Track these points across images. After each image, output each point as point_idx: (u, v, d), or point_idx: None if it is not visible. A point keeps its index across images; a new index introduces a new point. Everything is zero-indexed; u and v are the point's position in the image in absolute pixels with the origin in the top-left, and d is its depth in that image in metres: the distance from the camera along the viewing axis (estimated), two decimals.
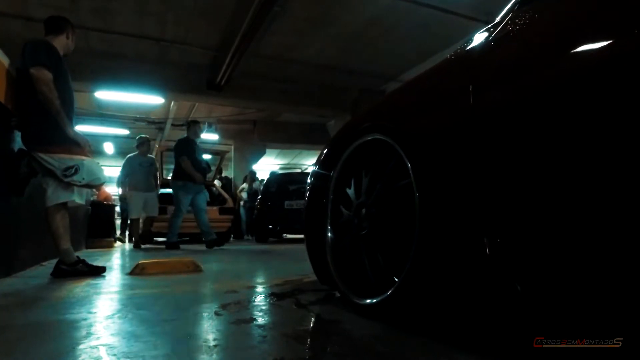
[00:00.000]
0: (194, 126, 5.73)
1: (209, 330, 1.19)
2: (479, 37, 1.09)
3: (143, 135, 6.46)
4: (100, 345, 1.02)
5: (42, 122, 2.43)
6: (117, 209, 8.81)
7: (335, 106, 8.76)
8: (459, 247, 1.03)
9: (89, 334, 1.14)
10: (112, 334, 1.13)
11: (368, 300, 1.29)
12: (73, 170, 2.47)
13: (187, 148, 5.48)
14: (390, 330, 1.15)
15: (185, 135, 5.69)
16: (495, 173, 0.91)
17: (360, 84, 8.09)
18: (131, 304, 1.59)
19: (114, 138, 12.29)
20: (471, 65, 1.05)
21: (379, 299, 1.24)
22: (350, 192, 1.53)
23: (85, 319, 1.34)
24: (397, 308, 1.20)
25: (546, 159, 0.81)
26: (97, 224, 6.16)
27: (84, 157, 2.54)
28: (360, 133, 1.46)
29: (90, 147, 2.68)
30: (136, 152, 6.04)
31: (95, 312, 1.44)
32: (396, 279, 1.22)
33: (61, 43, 2.65)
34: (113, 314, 1.40)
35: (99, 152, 13.49)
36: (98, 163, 2.83)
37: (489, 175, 0.92)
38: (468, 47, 1.11)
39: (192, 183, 5.36)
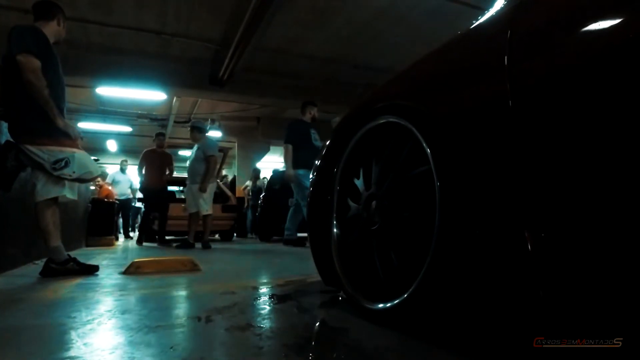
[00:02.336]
0: (309, 108, 4.89)
1: (197, 339, 1.05)
2: None
3: (194, 120, 5.93)
4: (68, 357, 0.88)
5: (30, 113, 2.30)
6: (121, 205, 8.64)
7: (340, 102, 8.59)
8: (489, 242, 0.87)
9: (60, 343, 1.00)
10: (85, 344, 0.99)
11: (380, 305, 1.13)
12: (63, 163, 2.34)
13: (299, 132, 4.68)
14: (407, 340, 0.99)
15: (300, 117, 4.89)
16: (542, 159, 0.75)
17: (366, 78, 7.91)
18: (117, 307, 1.45)
19: (117, 135, 12.24)
20: (504, 31, 0.88)
21: (392, 303, 1.08)
22: (359, 182, 1.38)
23: (62, 325, 1.20)
24: (414, 314, 1.05)
25: (610, 139, 0.65)
26: (97, 222, 6.06)
27: (74, 150, 2.41)
28: (371, 115, 1.30)
29: (82, 139, 2.55)
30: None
31: (74, 317, 1.29)
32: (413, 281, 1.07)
33: (52, 29, 2.52)
34: (94, 319, 1.26)
35: (102, 150, 13.46)
36: (97, 158, 2.71)
37: (534, 161, 0.76)
38: (499, 10, 0.95)
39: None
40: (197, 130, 5.41)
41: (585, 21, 0.70)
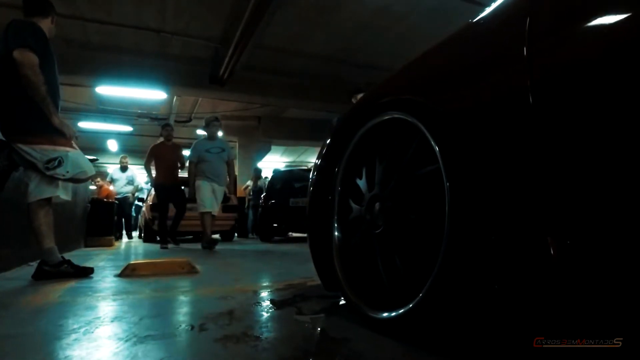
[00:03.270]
0: (356, 97, 4.57)
1: (188, 351, 0.97)
2: None
3: (209, 115, 5.59)
4: None
5: (23, 111, 2.23)
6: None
7: (341, 101, 8.51)
8: (506, 248, 0.80)
9: (39, 355, 0.93)
10: (67, 357, 0.92)
11: (384, 314, 1.06)
12: (56, 163, 2.27)
13: None
14: (415, 352, 0.92)
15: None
16: (569, 160, 0.68)
17: (367, 77, 7.83)
18: (107, 314, 1.38)
19: (118, 135, 12.20)
20: (522, 18, 0.80)
21: (397, 312, 1.01)
22: (361, 183, 1.30)
23: (46, 334, 1.13)
24: (421, 324, 0.97)
25: None
26: (96, 222, 6.00)
27: (68, 149, 2.34)
28: (375, 111, 1.22)
29: (77, 138, 2.47)
30: (204, 136, 5.28)
31: (61, 325, 1.22)
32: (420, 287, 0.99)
33: (46, 27, 2.45)
34: (80, 327, 1.18)
35: (102, 150, 13.42)
36: (95, 158, 2.64)
37: (559, 162, 0.69)
38: None
39: None
40: (219, 126, 5.34)
41: (620, 3, 0.62)
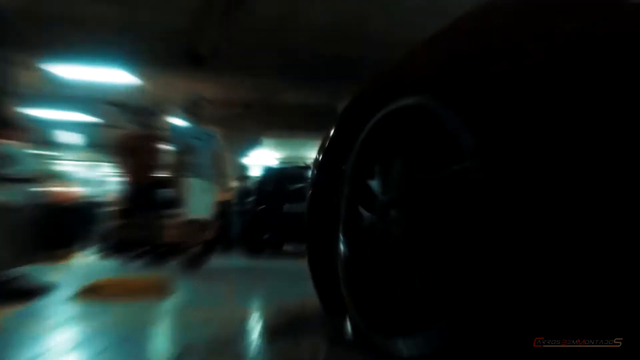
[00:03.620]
0: None
1: None
2: None
3: (193, 93, 5.61)
4: None
5: None
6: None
7: (347, 83, 8.50)
8: (565, 263, 0.76)
9: None
10: None
11: (406, 352, 1.02)
12: None
13: None
14: None
15: None
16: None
17: (378, 54, 7.79)
18: (53, 348, 1.34)
19: (78, 126, 12.18)
20: None
21: (424, 352, 0.97)
22: (375, 184, 1.27)
23: None
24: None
25: None
26: (49, 231, 5.96)
27: (13, 142, 2.32)
28: (391, 95, 1.19)
29: (30, 132, 2.45)
30: (185, 121, 5.27)
31: None
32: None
33: None
34: None
35: (60, 144, 13.40)
36: (48, 153, 2.61)
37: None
38: None
39: None
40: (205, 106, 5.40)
41: None
